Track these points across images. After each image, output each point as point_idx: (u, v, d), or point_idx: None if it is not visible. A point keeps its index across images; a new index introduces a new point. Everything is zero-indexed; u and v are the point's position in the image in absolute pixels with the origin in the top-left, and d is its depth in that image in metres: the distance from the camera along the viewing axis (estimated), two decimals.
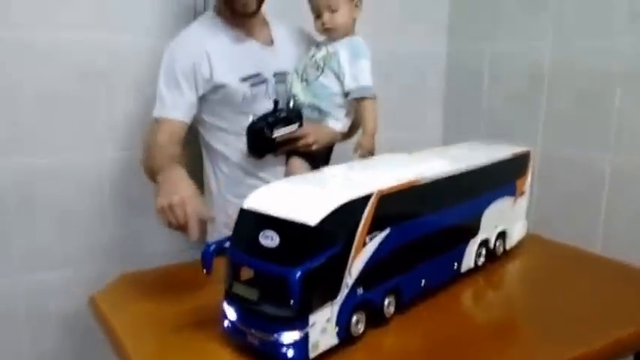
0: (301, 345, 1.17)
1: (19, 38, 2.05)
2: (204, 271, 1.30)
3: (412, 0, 2.88)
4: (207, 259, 1.29)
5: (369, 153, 1.84)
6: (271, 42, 2.07)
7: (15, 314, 2.20)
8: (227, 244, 1.28)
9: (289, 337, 1.16)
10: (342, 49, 1.91)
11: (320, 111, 1.94)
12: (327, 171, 1.47)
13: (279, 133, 1.82)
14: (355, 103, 1.92)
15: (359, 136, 1.90)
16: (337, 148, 2.07)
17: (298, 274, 1.13)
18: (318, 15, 1.91)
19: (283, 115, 1.84)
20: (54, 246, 2.22)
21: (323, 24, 1.90)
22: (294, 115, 1.86)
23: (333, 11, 1.88)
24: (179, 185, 1.55)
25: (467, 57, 2.92)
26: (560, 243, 2.06)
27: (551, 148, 2.50)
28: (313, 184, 1.34)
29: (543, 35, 2.51)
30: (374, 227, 1.30)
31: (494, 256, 1.81)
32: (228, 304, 1.27)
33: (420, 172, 1.44)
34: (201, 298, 1.48)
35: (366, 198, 1.27)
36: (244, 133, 1.85)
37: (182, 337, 1.36)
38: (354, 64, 1.88)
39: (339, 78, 1.90)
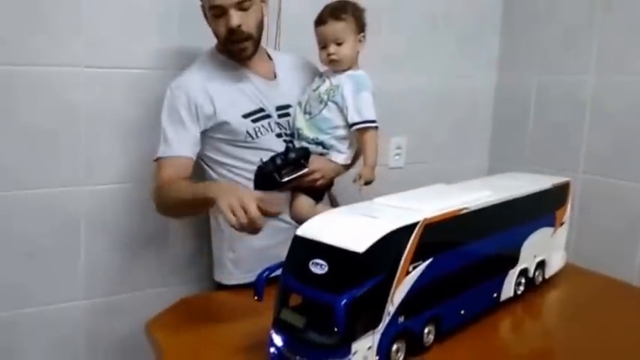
0: None
1: None
2: (255, 297, 1.32)
3: (465, 37, 2.94)
4: (259, 285, 1.32)
5: (368, 184, 1.83)
6: (274, 76, 2.08)
7: None
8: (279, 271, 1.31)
9: None
10: (345, 82, 1.91)
11: (323, 145, 1.93)
12: (377, 200, 1.47)
13: (288, 177, 1.81)
14: (357, 135, 1.91)
15: (360, 166, 1.90)
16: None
17: (344, 302, 1.13)
18: (324, 46, 1.92)
19: (292, 157, 1.82)
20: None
21: (329, 55, 1.90)
22: (302, 156, 1.85)
23: (339, 44, 1.89)
24: (236, 188, 1.73)
25: (514, 90, 2.95)
26: (599, 274, 2.04)
27: (591, 179, 2.50)
28: (363, 214, 1.34)
29: (586, 69, 2.51)
30: (418, 256, 1.30)
31: (533, 286, 1.79)
32: (276, 330, 1.28)
33: (463, 202, 1.45)
34: (251, 325, 1.49)
35: (412, 227, 1.28)
36: (251, 172, 1.86)
37: None
38: (358, 97, 1.88)
39: (342, 111, 1.89)
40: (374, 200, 1.48)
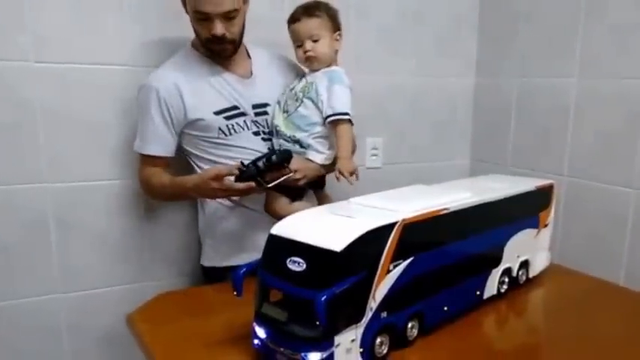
0: None
1: None
2: (235, 293, 1.39)
3: (443, 37, 2.96)
4: (237, 281, 1.39)
5: (352, 174, 1.86)
6: (250, 74, 2.10)
7: None
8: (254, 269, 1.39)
9: (316, 356, 1.25)
10: (320, 78, 1.96)
11: (301, 143, 1.97)
12: (353, 200, 1.55)
13: (273, 182, 1.83)
14: (331, 128, 1.94)
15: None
16: None
17: (324, 297, 1.21)
18: (299, 44, 1.97)
19: (275, 160, 1.82)
20: None
21: (305, 52, 1.95)
22: (285, 159, 1.85)
23: (314, 41, 1.94)
24: (205, 183, 1.84)
25: (494, 92, 2.97)
26: (583, 274, 2.10)
27: (576, 182, 2.53)
28: (339, 213, 1.42)
29: (570, 72, 2.55)
30: (398, 255, 1.38)
31: (517, 284, 1.87)
32: (258, 323, 1.37)
33: (444, 203, 1.52)
34: (231, 318, 1.57)
35: (391, 226, 1.36)
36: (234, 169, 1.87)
37: (213, 354, 1.46)
38: (331, 91, 1.92)
39: (317, 107, 1.93)
40: (350, 200, 1.55)
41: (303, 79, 2.01)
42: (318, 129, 1.96)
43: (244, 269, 1.39)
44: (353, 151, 2.10)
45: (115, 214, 2.33)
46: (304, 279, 1.26)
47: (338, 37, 2.00)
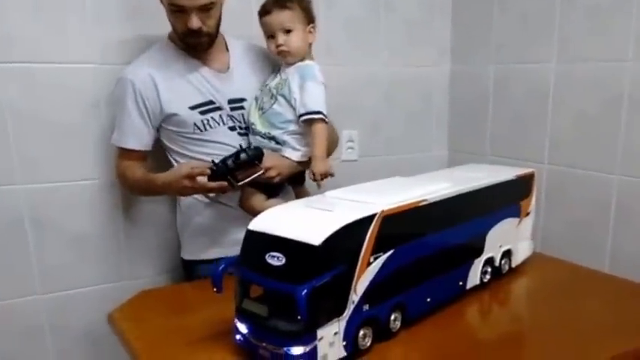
0: (310, 357, 1.29)
1: None
2: (215, 290, 1.42)
3: (415, 24, 2.96)
4: (216, 278, 1.41)
5: (324, 176, 1.88)
6: (227, 68, 2.10)
7: None
8: (233, 265, 1.42)
9: (298, 350, 1.28)
10: (292, 74, 1.96)
11: (276, 140, 1.98)
12: (331, 194, 1.57)
13: (244, 181, 1.84)
14: (306, 128, 1.95)
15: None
16: None
17: (304, 291, 1.24)
18: (271, 36, 1.96)
19: (244, 158, 1.83)
20: None
21: (277, 46, 1.94)
22: (255, 157, 1.85)
23: (287, 32, 1.93)
24: (177, 181, 1.89)
25: (470, 79, 2.99)
26: (566, 261, 2.14)
27: (557, 170, 2.56)
28: (317, 207, 1.44)
29: (548, 57, 2.56)
30: (378, 247, 1.41)
31: (500, 274, 1.90)
32: (240, 319, 1.40)
33: (423, 194, 1.55)
34: (213, 314, 1.59)
35: (370, 219, 1.39)
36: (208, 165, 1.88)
37: (196, 350, 1.48)
38: (303, 88, 1.92)
39: (290, 104, 1.94)
40: (325, 194, 1.57)
41: (278, 75, 2.02)
42: (293, 126, 1.97)
43: (223, 265, 1.41)
44: (335, 146, 2.16)
45: (92, 213, 2.34)
46: (284, 273, 1.29)
47: (312, 30, 2.00)
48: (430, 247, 1.60)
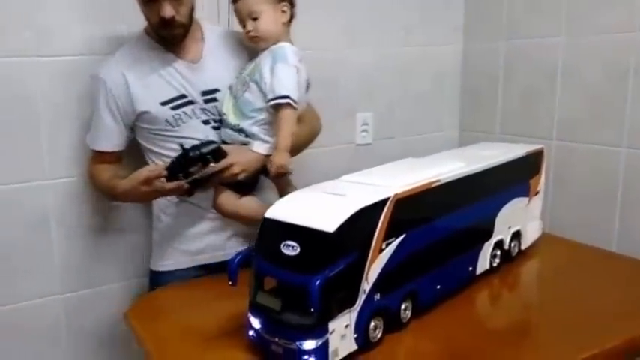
0: (322, 352, 1.25)
1: None
2: (230, 282, 1.38)
3: (429, 4, 2.94)
4: (232, 270, 1.38)
5: (282, 170, 1.75)
6: (200, 57, 2.01)
7: None
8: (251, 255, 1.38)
9: (310, 344, 1.24)
10: (265, 57, 1.86)
11: (245, 133, 1.88)
12: (344, 178, 1.53)
13: (190, 178, 1.78)
14: (274, 114, 1.84)
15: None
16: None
17: (317, 282, 1.20)
18: (243, 25, 1.88)
19: (192, 155, 1.77)
20: None
21: (247, 33, 1.87)
22: (208, 153, 1.78)
23: (254, 19, 1.84)
24: (136, 187, 1.84)
25: (482, 57, 2.97)
26: (575, 242, 2.13)
27: (565, 146, 2.55)
28: (331, 192, 1.40)
29: (556, 31, 2.54)
30: (390, 232, 1.37)
31: (509, 257, 1.88)
32: (253, 313, 1.36)
33: (434, 175, 1.52)
34: (227, 309, 1.56)
35: (383, 203, 1.34)
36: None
37: (208, 347, 1.46)
38: (274, 71, 1.82)
39: (261, 90, 1.84)
40: (342, 178, 1.53)
41: (253, 61, 1.92)
42: (263, 115, 1.86)
43: (239, 257, 1.38)
44: (314, 137, 2.13)
45: (64, 215, 2.26)
46: (298, 264, 1.25)
47: (285, 9, 1.89)
48: (442, 231, 1.57)
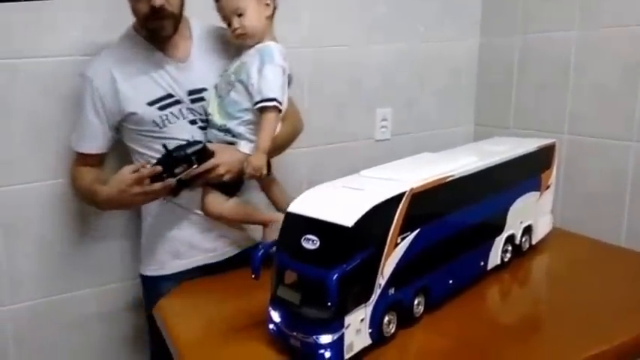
0: (337, 346, 1.26)
1: None
2: (253, 275, 1.39)
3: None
4: (255, 263, 1.39)
5: (259, 172, 1.76)
6: (188, 56, 1.99)
7: None
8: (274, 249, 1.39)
9: (326, 338, 1.25)
10: (252, 57, 1.85)
11: (231, 133, 1.88)
12: (363, 173, 1.54)
13: (176, 179, 1.78)
14: (259, 115, 1.84)
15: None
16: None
17: (335, 276, 1.21)
18: (228, 23, 1.86)
19: (180, 155, 1.77)
20: None
21: (234, 30, 1.85)
22: (192, 154, 1.78)
23: (240, 15, 1.82)
24: (120, 190, 1.82)
25: (498, 52, 2.99)
26: (585, 237, 2.13)
27: (576, 140, 2.56)
28: (350, 187, 1.41)
29: (570, 25, 2.56)
30: (406, 227, 1.38)
31: (520, 252, 1.88)
32: (273, 307, 1.37)
33: (449, 170, 1.52)
34: (250, 303, 1.57)
35: (399, 197, 1.35)
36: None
37: (229, 340, 1.48)
38: (262, 73, 1.81)
39: (248, 91, 1.83)
40: (360, 173, 1.54)
41: (238, 59, 1.91)
42: (249, 115, 1.86)
43: (262, 250, 1.40)
44: (296, 137, 2.12)
45: (51, 218, 2.24)
46: (317, 257, 1.26)
47: (268, 2, 1.88)
48: (455, 225, 1.58)
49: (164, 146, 1.81)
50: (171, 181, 1.77)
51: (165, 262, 2.06)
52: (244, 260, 2.03)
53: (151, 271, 2.10)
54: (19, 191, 2.14)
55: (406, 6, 2.82)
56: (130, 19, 1.93)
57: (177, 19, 1.90)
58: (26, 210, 2.17)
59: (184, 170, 1.77)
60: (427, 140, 2.96)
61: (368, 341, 1.34)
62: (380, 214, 1.31)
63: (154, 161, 1.80)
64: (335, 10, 2.58)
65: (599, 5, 2.43)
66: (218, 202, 1.90)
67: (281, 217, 1.88)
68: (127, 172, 1.78)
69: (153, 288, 2.06)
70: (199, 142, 1.84)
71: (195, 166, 1.78)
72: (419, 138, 2.96)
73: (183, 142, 1.82)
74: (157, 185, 1.76)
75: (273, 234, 1.86)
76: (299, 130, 2.16)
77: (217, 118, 1.89)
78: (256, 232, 2.03)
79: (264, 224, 1.93)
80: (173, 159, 1.76)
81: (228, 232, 2.05)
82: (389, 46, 2.80)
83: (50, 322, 2.29)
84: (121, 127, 1.98)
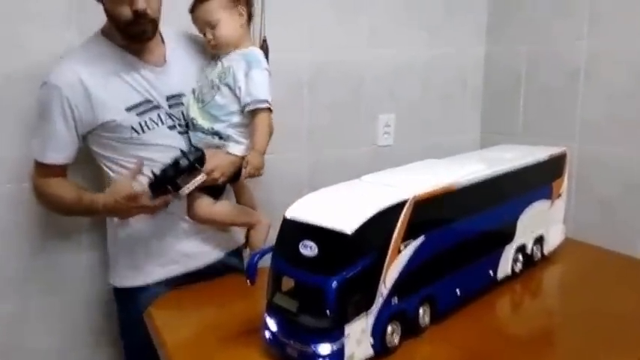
0: (337, 356, 1.25)
1: None
2: (248, 281, 1.39)
3: (453, 5, 2.95)
4: (251, 269, 1.39)
5: (257, 171, 1.80)
6: (164, 61, 1.97)
7: None
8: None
9: (326, 348, 1.24)
10: (237, 61, 1.88)
11: (220, 136, 1.89)
12: (364, 178, 1.53)
13: (188, 190, 1.78)
14: (250, 118, 1.87)
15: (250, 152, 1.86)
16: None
17: (334, 284, 1.20)
18: (203, 33, 1.91)
19: (185, 164, 1.75)
20: None
21: (208, 42, 1.90)
22: (196, 161, 1.78)
23: (213, 27, 1.87)
24: (116, 200, 1.82)
25: (504, 59, 2.99)
26: (599, 247, 2.12)
27: (588, 149, 2.54)
28: (351, 193, 1.41)
29: (579, 34, 2.55)
30: (409, 234, 1.37)
31: (531, 262, 1.87)
32: (270, 315, 1.36)
33: (454, 178, 1.52)
34: (245, 310, 1.58)
35: (401, 204, 1.35)
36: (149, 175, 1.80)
37: (224, 348, 1.47)
38: (249, 76, 1.85)
39: (235, 94, 1.87)
40: (362, 178, 1.53)
41: (219, 63, 1.93)
42: (237, 118, 1.89)
43: (258, 256, 1.40)
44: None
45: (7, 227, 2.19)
46: (315, 265, 1.25)
47: (241, 11, 1.91)
48: (461, 234, 1.57)
49: (181, 151, 1.80)
50: (184, 193, 1.78)
51: (145, 271, 2.00)
52: (228, 266, 2.07)
53: (128, 281, 2.03)
54: None
55: (408, 12, 2.82)
56: (95, 20, 1.91)
57: (156, 23, 1.89)
58: None
59: (186, 179, 1.76)
60: (432, 147, 2.93)
61: (370, 352, 1.32)
62: (381, 222, 1.30)
63: (157, 171, 1.77)
64: (336, 14, 2.58)
65: (609, 14, 2.42)
66: (207, 205, 1.92)
67: (268, 219, 1.93)
68: (121, 185, 1.79)
69: (130, 300, 2.01)
70: (199, 149, 1.83)
71: (204, 178, 1.78)
72: (423, 144, 2.94)
73: (182, 151, 1.81)
74: (156, 202, 1.77)
75: (260, 237, 1.94)
76: (271, 131, 2.13)
77: (202, 122, 1.90)
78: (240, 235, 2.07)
79: (252, 227, 1.97)
80: (180, 170, 1.75)
81: (210, 238, 2.04)
82: (391, 51, 2.79)
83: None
84: (91, 134, 1.91)
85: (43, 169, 1.94)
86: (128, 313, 2.01)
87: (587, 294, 1.75)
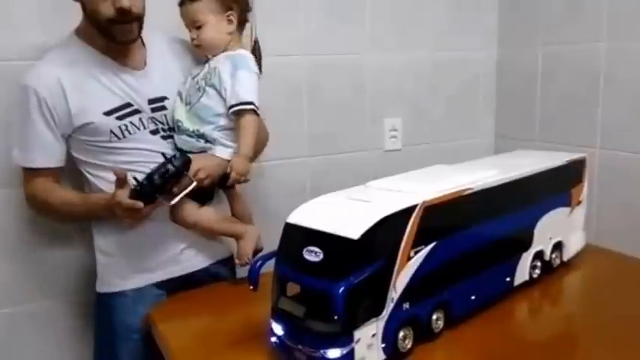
0: None
1: None
2: (251, 287, 1.43)
3: (462, 8, 2.96)
4: (253, 275, 1.42)
5: (242, 176, 1.82)
6: (144, 64, 1.97)
7: None
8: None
9: (335, 352, 1.26)
10: (223, 63, 1.90)
11: (206, 138, 1.89)
12: (371, 184, 1.55)
13: (177, 198, 1.78)
14: (235, 120, 1.88)
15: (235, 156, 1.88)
16: None
17: (342, 289, 1.23)
18: (189, 30, 1.93)
19: (172, 170, 1.73)
20: None
21: (192, 40, 1.92)
22: (184, 164, 1.76)
23: (198, 27, 1.89)
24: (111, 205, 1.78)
25: (518, 62, 2.99)
26: (621, 254, 2.10)
27: (610, 154, 2.54)
28: (357, 198, 1.42)
29: (597, 36, 2.54)
30: (419, 240, 1.39)
31: (550, 269, 1.88)
32: (275, 319, 1.39)
33: (467, 183, 1.53)
34: (249, 315, 1.61)
35: (411, 210, 1.37)
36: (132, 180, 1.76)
37: (230, 353, 1.51)
38: (235, 77, 1.86)
39: (221, 95, 1.87)
40: (368, 184, 1.56)
41: (206, 65, 1.95)
42: (224, 121, 1.90)
43: (260, 262, 1.42)
44: (263, 147, 2.13)
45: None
46: (321, 270, 1.28)
47: (231, 17, 1.93)
48: (475, 240, 1.58)
49: (164, 156, 1.79)
50: (175, 200, 1.79)
51: (129, 278, 1.99)
52: (213, 274, 2.08)
53: (112, 287, 2.01)
54: None
55: (414, 14, 2.84)
56: (70, 20, 1.91)
57: (141, 21, 1.88)
58: None
59: (174, 185, 1.77)
60: (443, 151, 2.95)
61: (382, 356, 1.35)
62: (389, 227, 1.32)
63: (144, 177, 1.73)
64: (342, 17, 2.61)
65: (628, 15, 2.41)
66: (192, 210, 1.93)
67: (256, 230, 1.94)
68: (114, 196, 1.74)
69: (113, 306, 1.99)
70: (185, 154, 1.81)
71: (193, 185, 1.79)
72: (433, 149, 2.96)
73: (169, 156, 1.79)
74: (148, 209, 1.75)
75: (247, 248, 1.94)
76: (264, 142, 2.19)
77: (188, 124, 1.90)
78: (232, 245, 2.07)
79: (239, 237, 1.98)
80: (168, 177, 1.72)
81: (192, 243, 2.03)
82: (397, 54, 2.81)
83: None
84: (71, 137, 1.90)
85: (33, 175, 1.92)
86: (106, 319, 2.01)
87: (608, 300, 1.75)
